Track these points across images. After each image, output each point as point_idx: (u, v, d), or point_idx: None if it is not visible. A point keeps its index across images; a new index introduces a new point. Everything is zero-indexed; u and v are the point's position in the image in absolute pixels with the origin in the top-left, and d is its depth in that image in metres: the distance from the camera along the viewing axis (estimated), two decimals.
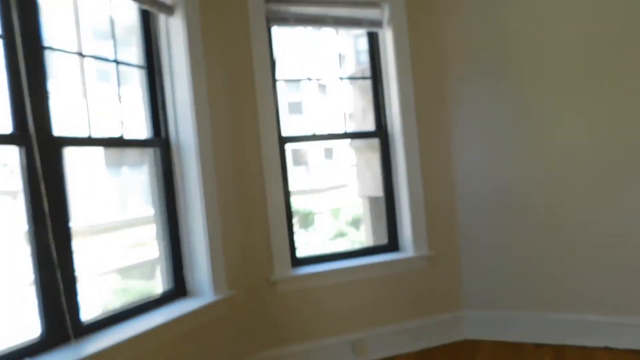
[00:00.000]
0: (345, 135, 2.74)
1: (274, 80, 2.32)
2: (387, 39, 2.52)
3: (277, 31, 2.34)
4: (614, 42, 2.24)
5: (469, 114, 2.54)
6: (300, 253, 2.46)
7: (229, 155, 2.19)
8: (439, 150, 2.59)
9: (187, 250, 2.04)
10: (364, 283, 2.46)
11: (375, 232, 3.40)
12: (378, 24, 2.47)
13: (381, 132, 2.64)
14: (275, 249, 2.29)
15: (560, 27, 2.34)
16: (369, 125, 2.81)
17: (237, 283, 2.13)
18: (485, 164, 2.53)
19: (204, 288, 1.98)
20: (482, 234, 2.55)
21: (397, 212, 2.64)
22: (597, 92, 2.29)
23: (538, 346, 2.43)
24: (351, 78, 2.86)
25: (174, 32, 2.02)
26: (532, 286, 2.47)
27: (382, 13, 2.45)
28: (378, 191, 3.24)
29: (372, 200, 3.42)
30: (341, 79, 2.71)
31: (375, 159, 3.17)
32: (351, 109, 3.30)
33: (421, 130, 2.55)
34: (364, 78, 2.67)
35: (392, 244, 2.65)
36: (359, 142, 3.15)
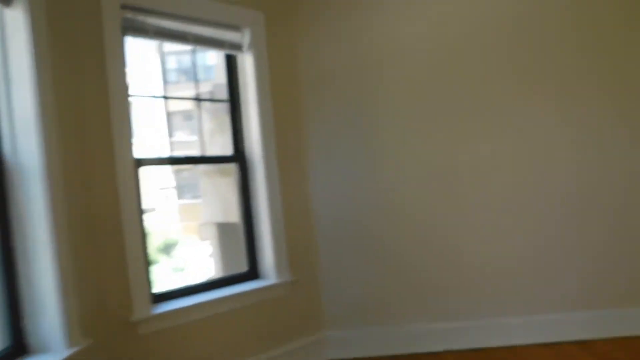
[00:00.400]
0: (203, 160, 2.61)
1: (127, 95, 2.07)
2: (246, 62, 2.48)
3: (134, 43, 2.12)
4: (455, 77, 2.59)
5: (325, 142, 2.65)
6: (160, 287, 2.24)
7: (77, 179, 1.88)
8: (297, 176, 2.63)
9: (28, 296, 1.67)
10: (227, 316, 2.34)
11: (226, 259, 3.26)
12: (238, 47, 2.42)
13: (239, 156, 2.57)
14: (133, 285, 2.02)
15: (411, 58, 2.61)
16: (218, 149, 2.73)
17: (94, 329, 1.82)
18: (341, 190, 2.65)
19: (53, 342, 1.63)
20: (341, 256, 2.65)
21: (256, 239, 2.59)
22: (437, 121, 2.61)
23: (394, 357, 2.61)
24: (209, 100, 2.73)
25: (12, 26, 1.65)
26: (385, 303, 2.65)
27: (242, 37, 2.41)
28: (227, 217, 3.14)
29: (220, 227, 3.29)
30: (199, 100, 2.57)
31: (224, 184, 3.07)
32: (203, 131, 3.15)
33: (280, 156, 2.56)
34: (220, 101, 2.58)
35: (253, 272, 2.59)
36: (206, 166, 3.02)
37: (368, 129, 2.62)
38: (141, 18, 2.08)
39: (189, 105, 3.14)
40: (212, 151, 2.75)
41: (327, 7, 2.64)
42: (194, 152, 2.96)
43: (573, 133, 2.55)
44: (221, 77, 2.56)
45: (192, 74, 2.59)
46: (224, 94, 2.55)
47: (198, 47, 2.34)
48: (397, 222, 2.62)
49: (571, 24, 2.55)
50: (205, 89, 2.65)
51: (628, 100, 2.54)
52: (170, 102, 3.35)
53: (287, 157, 2.59)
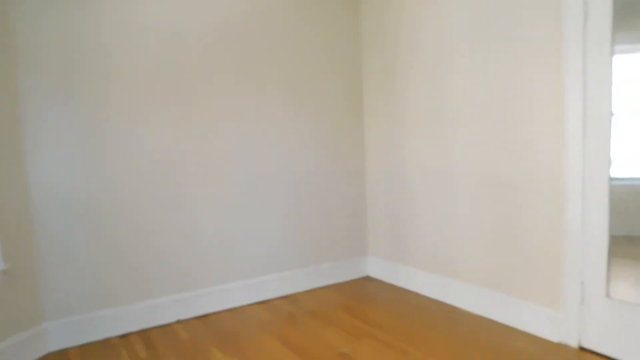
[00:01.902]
0: None
1: None
2: None
3: None
4: (184, 69, 2.74)
5: (46, 121, 2.42)
6: None
7: None
8: (9, 158, 2.32)
9: None
10: None
11: None
12: None
13: None
14: None
15: (140, 45, 2.62)
16: None
17: None
18: (66, 173, 2.47)
19: None
20: (64, 242, 2.47)
21: None
22: (167, 107, 2.72)
23: (124, 336, 2.60)
24: None
25: None
26: (113, 285, 2.61)
27: None
28: None
29: None
30: None
31: None
32: None
33: None
34: None
35: None
36: None
37: (92, 111, 2.53)
38: None
39: None
40: None
41: None
42: None
43: (264, 126, 3.10)
44: None
45: None
46: None
47: None
48: (125, 205, 2.62)
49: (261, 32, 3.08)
50: None
51: (320, 108, 3.24)
52: None
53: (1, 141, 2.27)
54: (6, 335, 2.25)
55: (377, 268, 3.46)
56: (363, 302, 2.98)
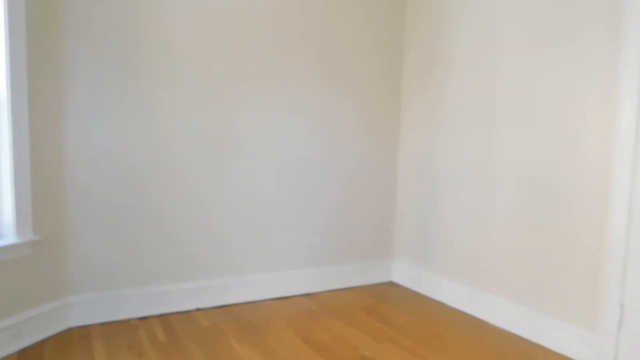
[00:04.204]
0: None
1: None
2: None
3: None
4: (220, 54, 2.74)
5: (90, 92, 2.44)
6: None
7: None
8: (51, 123, 2.35)
9: None
10: None
11: None
12: None
13: None
14: None
15: (185, 29, 2.64)
16: None
17: None
18: (106, 144, 2.49)
19: None
20: (95, 214, 2.49)
21: None
22: (207, 92, 2.73)
23: (144, 319, 2.60)
24: None
25: None
26: (138, 264, 2.61)
27: None
28: None
29: None
30: None
31: None
32: None
33: (33, 100, 2.26)
34: None
35: None
36: None
37: (141, 87, 2.54)
38: None
39: None
40: None
41: None
42: None
43: (316, 123, 3.07)
44: None
45: None
46: None
47: None
48: (160, 184, 2.63)
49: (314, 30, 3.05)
50: None
51: (358, 98, 3.19)
52: None
53: (42, 103, 2.29)
54: (30, 305, 2.27)
55: (402, 273, 3.37)
56: (386, 306, 2.91)
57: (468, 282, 2.86)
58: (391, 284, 3.40)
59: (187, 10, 2.63)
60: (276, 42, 2.89)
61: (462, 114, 2.89)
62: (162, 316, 2.65)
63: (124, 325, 2.52)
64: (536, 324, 2.44)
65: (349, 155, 3.21)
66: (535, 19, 2.45)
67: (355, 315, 2.75)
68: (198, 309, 2.77)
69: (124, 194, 2.55)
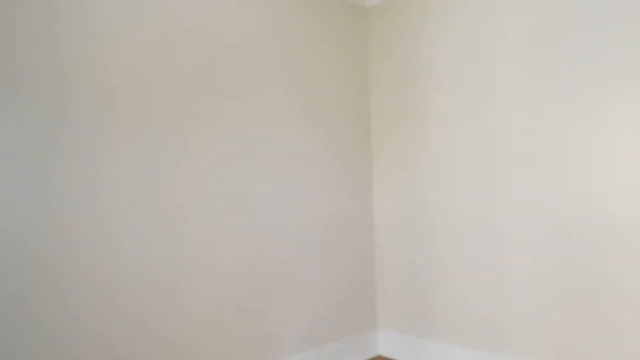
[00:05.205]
0: None
1: None
2: None
3: None
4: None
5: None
6: None
7: None
8: None
9: None
10: None
11: None
12: None
13: None
14: None
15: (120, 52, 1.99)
16: None
17: None
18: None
19: None
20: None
21: None
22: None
23: None
24: None
25: None
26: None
27: None
28: None
29: None
30: None
31: None
32: None
33: None
34: None
35: None
36: None
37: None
38: None
39: None
40: None
41: None
42: None
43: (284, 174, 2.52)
44: None
45: None
46: None
47: None
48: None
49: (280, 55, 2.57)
50: None
51: (325, 140, 2.72)
52: None
53: None
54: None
55: (391, 344, 2.83)
56: None
57: (483, 346, 2.41)
58: (379, 358, 2.84)
59: (123, 28, 2.00)
60: (242, 76, 2.35)
61: (453, 153, 2.54)
62: None
63: None
64: None
65: (315, 213, 2.68)
66: (543, 34, 2.21)
67: None
68: None
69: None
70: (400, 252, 2.80)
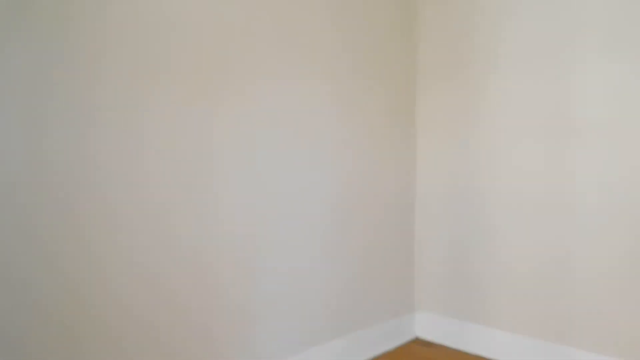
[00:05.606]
0: None
1: None
2: None
3: None
4: None
5: None
6: None
7: None
8: None
9: None
10: None
11: None
12: None
13: None
14: None
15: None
16: None
17: None
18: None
19: None
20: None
21: None
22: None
23: None
24: None
25: None
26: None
27: None
28: None
29: None
30: None
31: None
32: None
33: None
34: None
35: None
36: None
37: None
38: None
39: None
40: None
41: None
42: None
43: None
44: None
45: None
46: None
47: None
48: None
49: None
50: None
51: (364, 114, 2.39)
52: None
53: None
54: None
55: (430, 326, 2.61)
56: None
57: (541, 335, 2.19)
58: (417, 341, 2.63)
59: None
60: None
61: (520, 123, 2.24)
62: None
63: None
64: None
65: (354, 186, 2.39)
66: None
67: None
68: None
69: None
70: (443, 228, 2.54)
